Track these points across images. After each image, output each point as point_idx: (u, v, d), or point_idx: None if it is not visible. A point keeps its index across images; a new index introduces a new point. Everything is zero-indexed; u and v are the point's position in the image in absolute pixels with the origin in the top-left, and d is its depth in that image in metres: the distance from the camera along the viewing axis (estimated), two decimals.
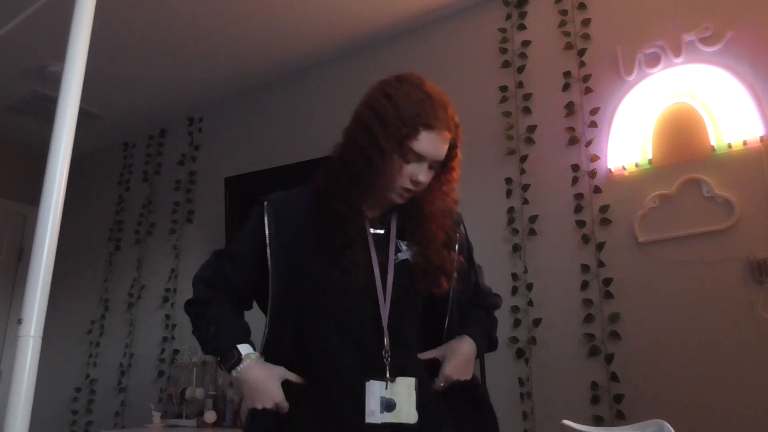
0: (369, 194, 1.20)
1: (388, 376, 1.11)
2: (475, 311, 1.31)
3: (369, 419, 1.08)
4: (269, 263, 1.17)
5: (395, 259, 1.20)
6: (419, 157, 1.15)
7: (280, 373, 1.15)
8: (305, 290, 1.17)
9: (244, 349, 1.15)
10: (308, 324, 1.18)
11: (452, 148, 1.21)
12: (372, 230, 1.22)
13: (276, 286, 1.17)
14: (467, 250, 1.34)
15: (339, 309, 1.17)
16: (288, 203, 1.24)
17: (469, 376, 1.24)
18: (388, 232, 1.23)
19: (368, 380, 1.10)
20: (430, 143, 1.14)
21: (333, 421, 1.11)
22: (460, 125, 1.21)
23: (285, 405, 1.14)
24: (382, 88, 1.19)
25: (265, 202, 1.21)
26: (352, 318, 1.16)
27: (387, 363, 1.12)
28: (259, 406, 1.13)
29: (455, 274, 1.24)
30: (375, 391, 1.10)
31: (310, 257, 1.16)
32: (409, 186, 1.17)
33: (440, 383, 1.21)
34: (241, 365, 1.14)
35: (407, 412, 1.10)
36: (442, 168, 1.22)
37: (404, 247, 1.23)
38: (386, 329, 1.14)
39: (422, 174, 1.16)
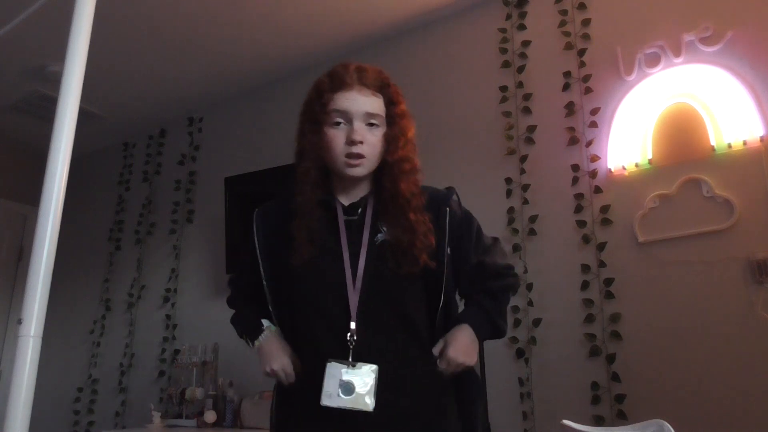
0: (317, 180, 1.23)
1: (350, 359, 1.12)
2: (476, 296, 1.28)
3: (325, 401, 1.09)
4: (261, 267, 1.26)
5: (375, 241, 1.20)
6: (343, 114, 1.19)
7: (294, 357, 1.23)
8: (289, 286, 1.22)
9: (266, 322, 1.29)
10: (299, 317, 1.23)
11: (391, 105, 1.23)
12: (345, 217, 1.23)
13: (269, 284, 1.26)
14: (465, 225, 1.30)
15: (316, 298, 1.20)
16: (273, 209, 1.32)
17: (474, 361, 1.22)
18: (363, 216, 1.24)
19: (330, 362, 1.12)
20: (345, 99, 1.19)
21: (317, 407, 1.12)
22: (393, 84, 1.25)
23: (291, 372, 1.21)
24: (313, 84, 1.28)
25: (255, 211, 1.33)
26: (328, 305, 1.18)
27: (351, 347, 1.13)
28: (267, 369, 1.22)
29: (448, 251, 1.22)
30: (335, 372, 1.11)
31: (287, 254, 1.20)
32: (351, 150, 1.18)
33: (443, 366, 1.19)
34: (262, 335, 1.26)
35: (364, 399, 1.09)
36: (389, 126, 1.22)
37: (384, 229, 1.22)
38: (354, 313, 1.15)
39: (357, 133, 1.17)
